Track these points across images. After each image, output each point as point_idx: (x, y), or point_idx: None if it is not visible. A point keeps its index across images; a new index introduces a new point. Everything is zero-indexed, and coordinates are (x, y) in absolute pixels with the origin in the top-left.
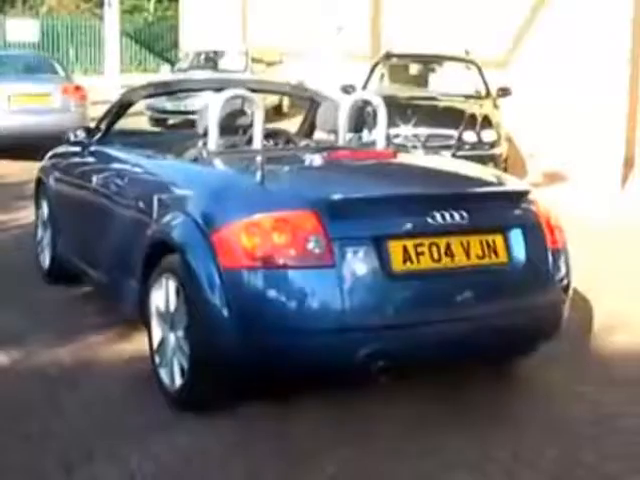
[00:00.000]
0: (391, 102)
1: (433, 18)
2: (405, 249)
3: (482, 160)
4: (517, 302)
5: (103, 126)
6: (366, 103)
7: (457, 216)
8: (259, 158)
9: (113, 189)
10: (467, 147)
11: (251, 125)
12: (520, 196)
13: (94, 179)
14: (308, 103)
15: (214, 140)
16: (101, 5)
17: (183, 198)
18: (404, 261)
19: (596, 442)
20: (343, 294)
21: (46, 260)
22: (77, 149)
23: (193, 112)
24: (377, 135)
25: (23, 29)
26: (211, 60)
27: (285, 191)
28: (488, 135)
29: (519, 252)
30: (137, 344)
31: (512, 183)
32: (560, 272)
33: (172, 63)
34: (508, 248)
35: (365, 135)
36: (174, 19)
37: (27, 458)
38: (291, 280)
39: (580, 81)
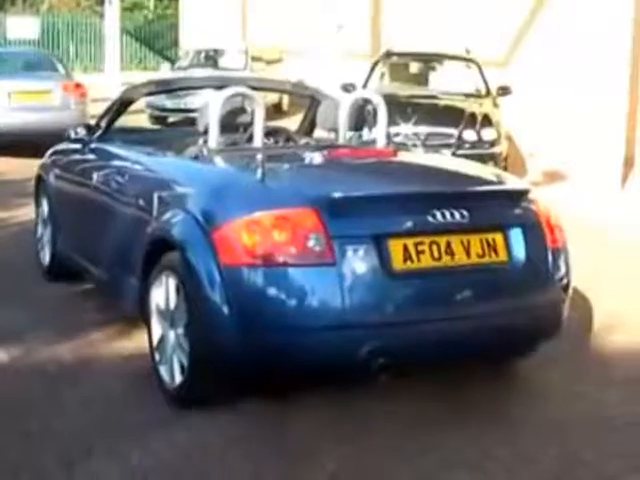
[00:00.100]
0: (391, 101)
1: (433, 17)
2: (405, 247)
3: (482, 159)
4: (517, 301)
5: (103, 123)
6: (366, 102)
7: (457, 215)
8: (259, 156)
9: (113, 186)
10: (467, 146)
11: (251, 123)
12: (520, 195)
13: (94, 176)
14: (308, 101)
15: (214, 138)
16: (101, 3)
17: (183, 195)
18: (404, 259)
19: (596, 441)
20: (343, 292)
21: (46, 257)
22: (77, 146)
23: (193, 110)
24: (377, 133)
25: (23, 26)
26: (211, 58)
27: (285, 189)
28: (488, 134)
29: (519, 251)
30: (137, 341)
31: (512, 182)
32: (560, 271)
33: (172, 61)
34: (508, 247)
35: (365, 133)
36: (174, 17)
37: (27, 455)
38: (291, 278)
39: (580, 80)
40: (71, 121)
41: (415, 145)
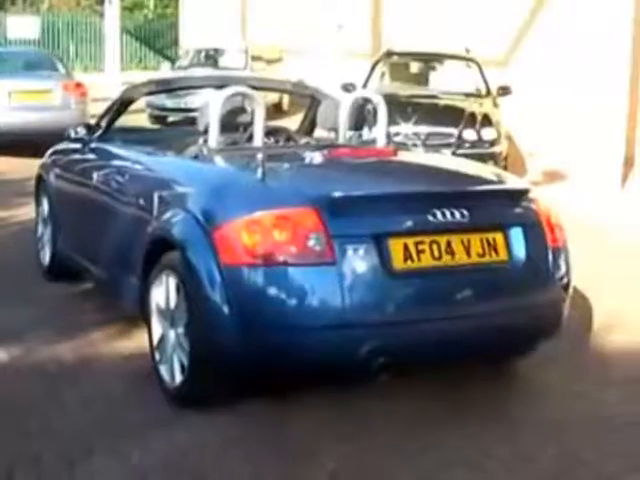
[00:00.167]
0: (391, 100)
1: (433, 16)
2: (406, 247)
3: (482, 158)
4: (517, 300)
5: (104, 123)
6: (366, 101)
7: (458, 214)
8: (260, 155)
9: (114, 186)
10: (467, 145)
11: (252, 122)
12: (520, 194)
13: (95, 176)
14: (309, 101)
15: (215, 137)
16: (101, 2)
17: (184, 195)
18: (405, 259)
19: (595, 440)
20: (344, 291)
21: (46, 257)
22: (78, 146)
23: (193, 110)
24: (377, 133)
25: (24, 26)
26: (211, 58)
27: (286, 188)
28: (488, 133)
29: (519, 250)
30: (137, 341)
31: (512, 181)
32: (560, 270)
33: (172, 60)
34: (508, 246)
35: (365, 133)
36: (174, 16)
37: (28, 455)
38: (292, 277)
39: (580, 80)
40: (71, 121)
41: (415, 145)
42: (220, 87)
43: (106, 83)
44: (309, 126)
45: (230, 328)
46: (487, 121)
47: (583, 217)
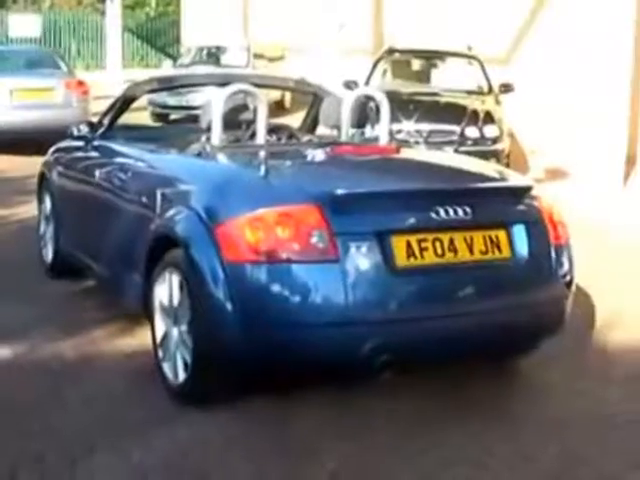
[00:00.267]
0: (393, 98)
1: (435, 14)
2: (409, 244)
3: (484, 156)
4: (520, 297)
5: (106, 121)
6: (369, 99)
7: (460, 211)
8: (262, 153)
9: (116, 184)
10: (469, 143)
11: (254, 120)
12: (523, 192)
13: (97, 174)
14: (311, 98)
15: (217, 135)
16: (103, 0)
17: (186, 193)
18: (407, 256)
19: (597, 438)
20: (347, 289)
21: (49, 254)
22: (80, 144)
23: (195, 107)
24: (380, 130)
25: (25, 24)
26: (213, 55)
27: (288, 186)
28: (490, 131)
29: (522, 248)
30: (140, 338)
31: (515, 179)
32: (563, 268)
33: (174, 58)
34: (511, 243)
35: (368, 131)
36: (176, 14)
37: (30, 452)
38: (295, 274)
39: (582, 78)
40: (73, 119)
41: (417, 142)
42: (222, 85)
43: (108, 81)
44: (311, 124)
45: (233, 325)
46: (489, 119)
47: (585, 215)
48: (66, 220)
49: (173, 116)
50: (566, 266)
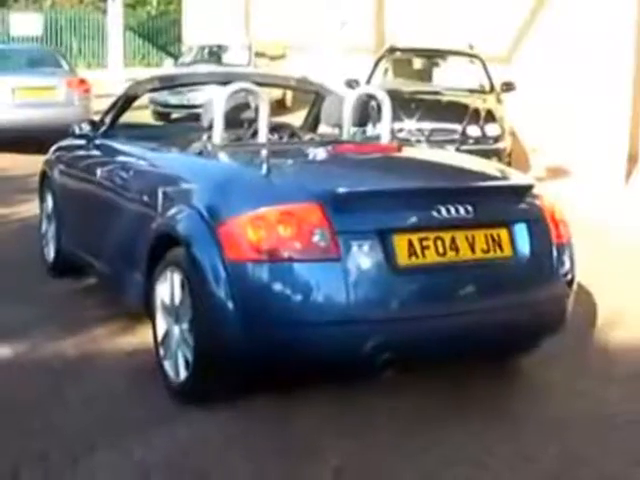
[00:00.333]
0: (395, 96)
1: (436, 12)
2: (410, 243)
3: (486, 154)
4: (522, 296)
5: (108, 119)
6: (370, 97)
7: (462, 210)
8: (264, 151)
9: (118, 182)
10: (471, 141)
11: (256, 119)
12: (525, 190)
13: (99, 172)
14: (313, 97)
15: (219, 133)
16: None
17: (188, 191)
18: (409, 255)
19: (597, 438)
20: (348, 287)
21: (51, 253)
22: (82, 142)
23: (196, 106)
24: (381, 129)
25: (27, 23)
26: (215, 54)
27: (290, 184)
28: (492, 129)
29: (524, 246)
30: (141, 337)
31: (517, 177)
32: (564, 266)
33: (175, 57)
34: (513, 242)
35: (369, 129)
36: (177, 13)
37: (31, 451)
38: (296, 273)
39: (584, 76)
40: (75, 117)
41: (419, 141)
42: (224, 83)
43: (109, 80)
44: (313, 122)
45: (235, 324)
46: (491, 117)
47: (586, 213)
48: (68, 219)
49: (174, 115)
50: (567, 265)
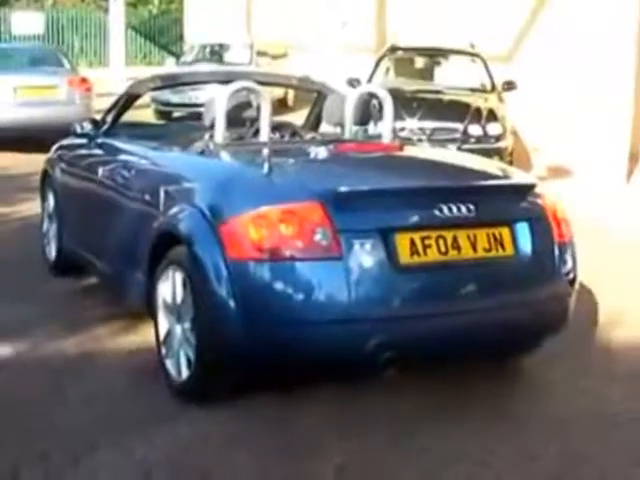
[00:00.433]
0: (397, 95)
1: (438, 11)
2: (412, 242)
3: (487, 153)
4: (524, 295)
5: (109, 118)
6: (372, 96)
7: (464, 209)
8: (266, 150)
9: (120, 181)
10: (473, 140)
11: (257, 118)
12: (527, 189)
13: (101, 171)
14: (314, 96)
15: (221, 132)
16: None
17: (190, 190)
18: (411, 254)
19: (599, 437)
20: (350, 286)
21: (52, 252)
22: (83, 141)
23: (198, 105)
24: (383, 128)
25: (28, 22)
26: (216, 53)
27: (292, 183)
28: (494, 128)
29: (526, 245)
30: (143, 336)
31: (518, 176)
32: (566, 265)
33: (177, 56)
34: (515, 241)
35: (371, 128)
36: (179, 12)
37: (32, 450)
38: (298, 272)
39: (585, 75)
40: (76, 116)
41: (421, 140)
42: (225, 82)
43: (111, 78)
44: (315, 121)
45: (236, 323)
46: (492, 116)
47: (587, 212)
48: (69, 218)
49: (176, 114)
50: (569, 264)
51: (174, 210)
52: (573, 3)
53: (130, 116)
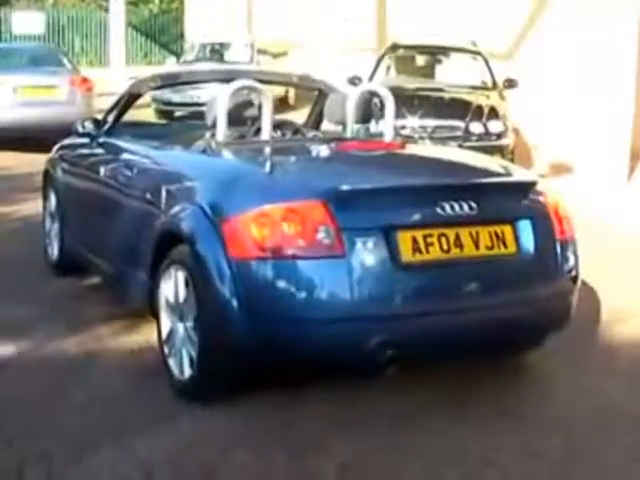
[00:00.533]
0: (398, 93)
1: (439, 9)
2: (414, 240)
3: (489, 151)
4: (526, 293)
5: (111, 118)
6: (373, 94)
7: (466, 207)
8: (267, 149)
9: (121, 180)
10: (474, 138)
11: (259, 116)
12: (528, 187)
13: (102, 170)
14: (315, 94)
15: (222, 131)
16: None
17: (192, 189)
18: (413, 252)
19: (600, 432)
20: (352, 284)
21: (54, 252)
22: (85, 141)
23: (199, 104)
24: (384, 126)
25: (29, 21)
26: (217, 52)
27: (294, 181)
28: (495, 126)
29: (528, 243)
30: (145, 335)
31: (520, 174)
32: (569, 262)
33: (178, 55)
34: (517, 239)
35: (372, 126)
36: (179, 11)
37: (35, 450)
38: (300, 270)
39: (587, 73)
40: (77, 116)
41: (422, 138)
42: (226, 81)
43: (111, 78)
44: (316, 120)
45: (239, 321)
46: (494, 114)
47: (589, 210)
48: (71, 217)
49: (177, 113)
50: (572, 261)
51: (176, 209)
52: (574, 1)
53: (131, 115)
